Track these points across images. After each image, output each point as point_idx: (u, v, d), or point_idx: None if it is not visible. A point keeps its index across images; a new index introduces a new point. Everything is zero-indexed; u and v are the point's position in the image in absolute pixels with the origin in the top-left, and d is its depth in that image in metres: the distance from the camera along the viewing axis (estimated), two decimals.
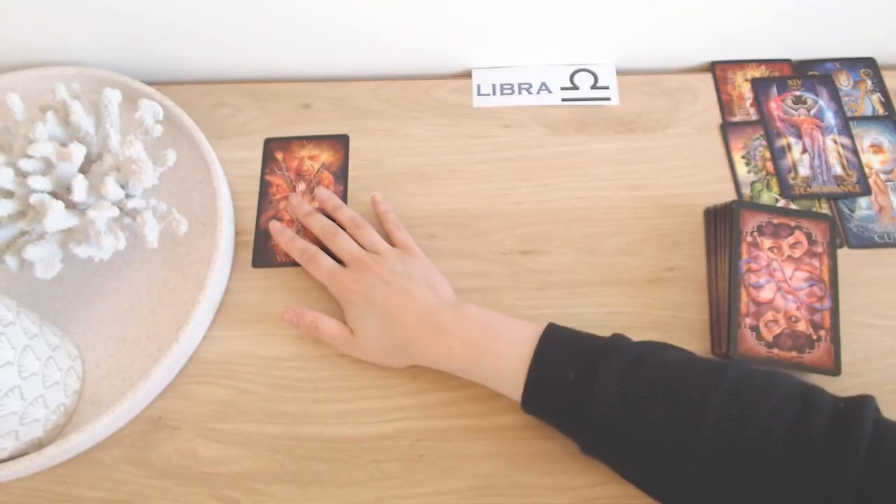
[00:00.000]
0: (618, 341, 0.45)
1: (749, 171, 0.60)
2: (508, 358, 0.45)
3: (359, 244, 0.53)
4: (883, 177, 0.59)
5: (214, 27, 0.60)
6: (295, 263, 0.56)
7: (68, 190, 0.47)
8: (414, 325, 0.48)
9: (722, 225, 0.54)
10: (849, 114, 0.62)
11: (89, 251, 0.49)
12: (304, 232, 0.57)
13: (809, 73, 0.64)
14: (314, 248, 0.54)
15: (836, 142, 0.61)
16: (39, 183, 0.47)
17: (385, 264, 0.51)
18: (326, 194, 0.57)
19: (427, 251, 0.56)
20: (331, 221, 0.55)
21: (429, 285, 0.50)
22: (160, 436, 0.50)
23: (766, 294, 0.50)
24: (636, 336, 0.52)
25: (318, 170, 0.61)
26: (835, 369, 0.48)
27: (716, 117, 0.63)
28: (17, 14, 0.58)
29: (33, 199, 0.46)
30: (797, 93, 0.63)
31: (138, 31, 0.60)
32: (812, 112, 0.62)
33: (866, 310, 0.53)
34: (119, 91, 0.52)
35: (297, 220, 0.57)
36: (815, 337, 0.49)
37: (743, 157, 0.60)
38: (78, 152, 0.47)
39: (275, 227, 0.56)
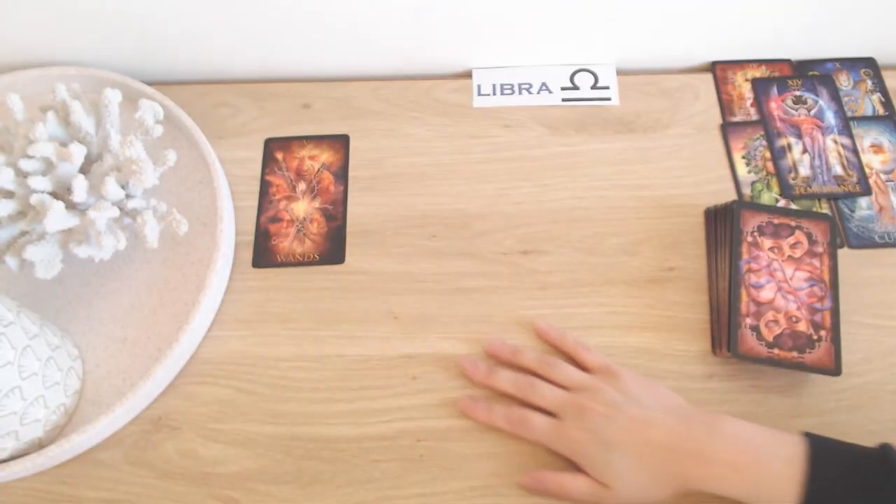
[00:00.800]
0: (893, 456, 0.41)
1: (749, 171, 0.60)
2: (779, 481, 0.41)
3: (556, 384, 0.48)
4: (883, 177, 0.59)
5: (215, 27, 0.60)
6: (295, 263, 0.56)
7: (68, 190, 0.47)
8: (666, 455, 0.43)
9: (722, 225, 0.54)
10: (849, 114, 0.62)
11: (89, 251, 0.49)
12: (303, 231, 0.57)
13: (809, 73, 0.64)
14: (519, 411, 0.48)
15: (836, 142, 0.61)
16: (39, 183, 0.47)
17: (600, 397, 0.46)
18: (498, 345, 0.52)
19: (427, 251, 0.56)
20: (518, 373, 0.50)
21: (657, 402, 0.46)
22: (160, 436, 0.50)
23: (766, 294, 0.50)
24: (637, 336, 0.53)
25: (318, 170, 0.61)
26: (835, 369, 0.48)
27: (716, 117, 0.62)
28: (17, 14, 0.58)
29: (33, 199, 0.46)
30: (797, 93, 0.63)
31: (138, 31, 0.60)
32: (812, 112, 0.62)
33: (866, 310, 0.53)
34: (119, 91, 0.52)
35: (482, 385, 0.51)
36: (815, 337, 0.49)
37: (743, 157, 0.60)
38: (78, 152, 0.47)
39: (470, 404, 0.50)
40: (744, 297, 0.50)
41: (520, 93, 0.64)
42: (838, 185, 0.58)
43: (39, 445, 0.48)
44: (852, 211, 0.58)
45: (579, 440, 0.45)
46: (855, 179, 0.59)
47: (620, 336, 0.53)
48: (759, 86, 0.64)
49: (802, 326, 0.50)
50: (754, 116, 0.62)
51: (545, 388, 0.48)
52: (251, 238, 0.57)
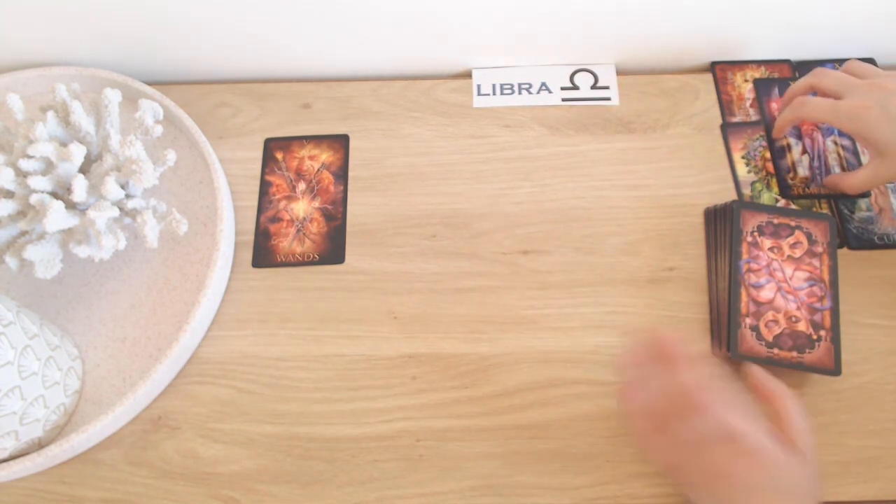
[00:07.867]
0: None
1: (749, 172, 0.60)
2: None
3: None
4: None
5: (215, 27, 0.60)
6: (295, 263, 0.56)
7: (68, 190, 0.47)
8: None
9: (722, 225, 0.54)
10: None
11: (89, 251, 0.49)
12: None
13: None
14: (799, 97, 0.54)
15: (836, 143, 0.61)
16: (39, 183, 0.47)
17: (891, 82, 0.50)
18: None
19: (427, 251, 0.56)
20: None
21: None
22: (160, 436, 0.50)
23: (766, 294, 0.50)
24: None
25: (318, 170, 0.61)
26: (835, 369, 0.48)
27: (716, 117, 0.63)
28: (18, 14, 0.58)
29: (33, 199, 0.46)
30: None
31: (138, 31, 0.60)
32: None
33: (866, 310, 0.53)
34: (119, 91, 0.52)
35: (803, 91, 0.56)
36: (815, 337, 0.49)
37: (743, 158, 0.60)
38: (78, 152, 0.47)
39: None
40: (743, 297, 0.50)
41: (520, 93, 0.64)
42: None
43: (39, 445, 0.48)
44: (852, 212, 0.58)
45: (866, 108, 0.49)
46: None
47: (620, 336, 0.53)
48: (761, 86, 0.64)
49: (802, 326, 0.50)
50: (754, 117, 0.62)
51: (835, 72, 0.53)
52: (251, 238, 0.57)
